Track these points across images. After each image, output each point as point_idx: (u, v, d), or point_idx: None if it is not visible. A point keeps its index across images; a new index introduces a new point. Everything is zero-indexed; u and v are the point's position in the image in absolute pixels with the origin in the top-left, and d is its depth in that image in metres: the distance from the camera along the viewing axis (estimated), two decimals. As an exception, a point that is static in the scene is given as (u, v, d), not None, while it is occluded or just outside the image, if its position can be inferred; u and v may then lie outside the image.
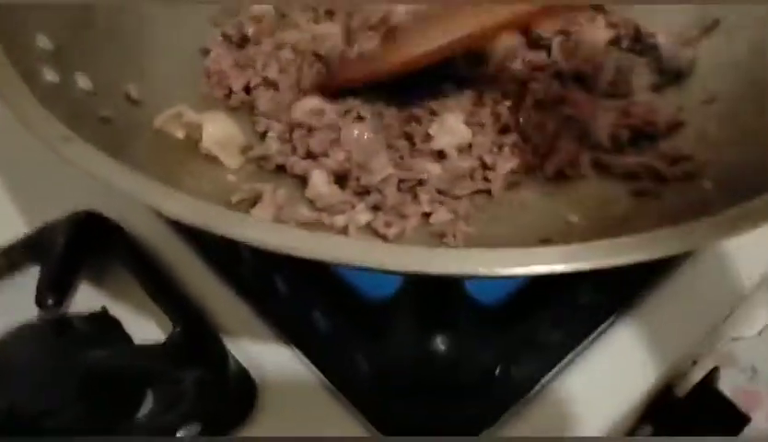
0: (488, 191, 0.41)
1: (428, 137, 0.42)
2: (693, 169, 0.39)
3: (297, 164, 0.42)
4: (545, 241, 0.38)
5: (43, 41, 0.38)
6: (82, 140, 0.28)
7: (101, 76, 0.40)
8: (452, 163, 0.42)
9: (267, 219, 0.37)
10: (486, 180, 0.41)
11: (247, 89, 0.47)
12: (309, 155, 0.42)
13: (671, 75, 0.46)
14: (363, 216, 0.39)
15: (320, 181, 0.40)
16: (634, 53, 0.47)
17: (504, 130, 0.43)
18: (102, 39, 0.42)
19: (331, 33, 0.49)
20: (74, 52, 0.39)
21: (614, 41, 0.48)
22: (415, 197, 0.40)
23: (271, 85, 0.47)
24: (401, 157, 0.42)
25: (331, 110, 0.43)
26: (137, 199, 0.25)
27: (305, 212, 0.39)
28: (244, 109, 0.46)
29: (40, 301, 0.39)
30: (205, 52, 0.49)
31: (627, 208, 0.40)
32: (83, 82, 0.39)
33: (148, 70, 0.44)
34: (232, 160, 0.42)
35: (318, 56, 0.48)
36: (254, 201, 0.38)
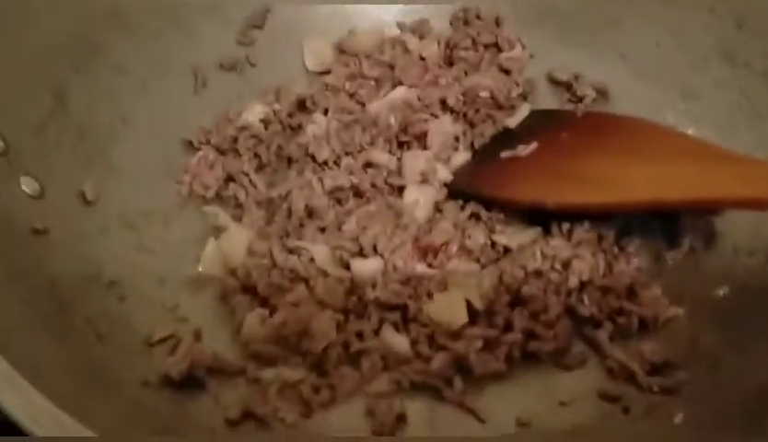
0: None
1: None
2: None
3: (234, 296, 0.39)
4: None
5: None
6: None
7: (55, 178, 0.38)
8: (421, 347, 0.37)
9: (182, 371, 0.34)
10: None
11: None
12: (253, 292, 0.39)
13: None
14: (294, 374, 0.36)
15: (255, 323, 0.37)
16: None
17: (507, 327, 0.37)
18: (68, 137, 0.40)
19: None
20: (28, 153, 0.37)
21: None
22: (356, 362, 0.36)
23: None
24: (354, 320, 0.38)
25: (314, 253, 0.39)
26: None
27: (230, 359, 0.36)
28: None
29: None
30: (187, 143, 0.45)
31: (590, 415, 0.35)
32: (28, 186, 0.37)
33: (116, 166, 0.42)
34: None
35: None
36: (174, 346, 0.35)
